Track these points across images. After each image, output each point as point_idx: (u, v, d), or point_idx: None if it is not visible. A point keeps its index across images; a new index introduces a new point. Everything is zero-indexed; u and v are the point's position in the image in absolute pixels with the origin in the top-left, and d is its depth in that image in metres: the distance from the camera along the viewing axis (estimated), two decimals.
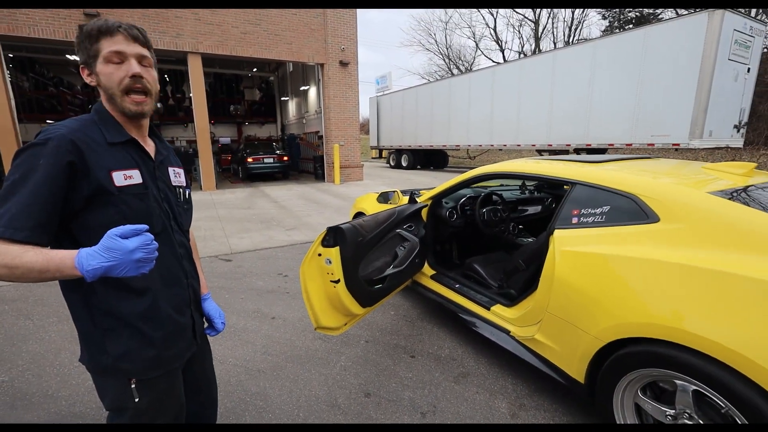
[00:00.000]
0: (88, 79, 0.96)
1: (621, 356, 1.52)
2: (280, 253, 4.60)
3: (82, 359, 1.01)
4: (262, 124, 19.72)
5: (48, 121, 15.02)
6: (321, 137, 12.72)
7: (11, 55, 12.67)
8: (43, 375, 2.22)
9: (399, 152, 18.18)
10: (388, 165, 19.57)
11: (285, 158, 13.00)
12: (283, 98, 18.62)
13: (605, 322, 1.55)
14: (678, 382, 1.39)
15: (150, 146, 1.07)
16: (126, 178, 0.94)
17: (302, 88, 15.31)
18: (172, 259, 1.05)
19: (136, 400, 0.99)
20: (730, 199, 1.50)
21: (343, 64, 11.48)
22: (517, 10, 25.59)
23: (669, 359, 1.36)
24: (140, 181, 0.97)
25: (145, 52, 0.96)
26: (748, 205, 1.45)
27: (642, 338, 1.45)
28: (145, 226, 0.81)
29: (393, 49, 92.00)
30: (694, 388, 1.35)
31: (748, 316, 1.21)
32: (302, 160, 16.27)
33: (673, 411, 1.43)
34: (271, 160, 12.57)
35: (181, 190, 1.14)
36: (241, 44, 9.96)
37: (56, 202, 0.84)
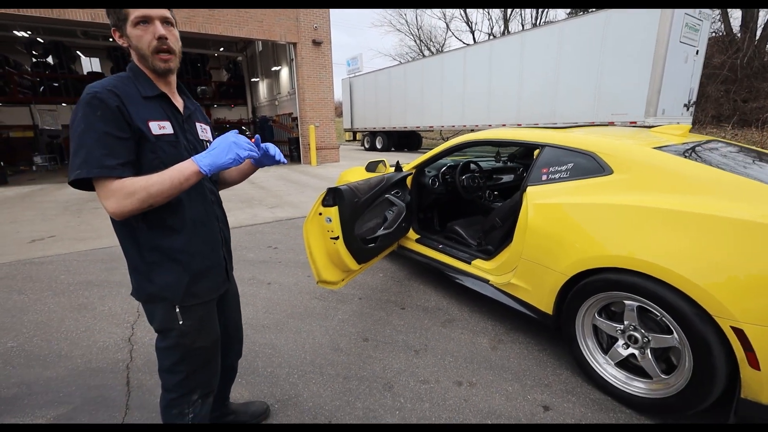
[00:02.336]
0: (120, 41, 1.07)
1: (582, 286, 1.82)
2: (267, 229, 4.72)
3: (133, 292, 1.17)
4: (232, 106, 19.10)
5: None
6: (295, 119, 12.60)
7: None
8: (51, 340, 2.31)
9: (373, 134, 18.25)
10: (362, 147, 19.61)
11: (253, 140, 13.23)
12: (253, 79, 18.08)
13: (570, 258, 1.85)
14: (626, 302, 1.72)
15: (179, 102, 1.19)
16: (160, 128, 1.07)
17: (273, 68, 14.94)
18: (204, 203, 1.19)
19: (180, 322, 1.14)
20: (669, 153, 1.81)
21: (316, 43, 11.34)
22: None
23: (620, 283, 1.68)
24: (171, 131, 1.10)
25: (167, 13, 1.05)
26: (684, 158, 1.77)
27: (599, 269, 1.76)
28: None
29: (364, 29, 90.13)
30: (638, 304, 1.67)
31: (679, 240, 1.52)
32: (275, 143, 16.01)
33: (622, 326, 1.76)
34: None
35: (207, 143, 1.26)
36: (209, 21, 9.62)
37: (128, 143, 0.99)
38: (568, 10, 22.05)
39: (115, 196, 0.94)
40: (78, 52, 16.11)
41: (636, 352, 1.73)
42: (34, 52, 14.49)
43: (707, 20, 8.81)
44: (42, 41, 14.12)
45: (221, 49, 17.46)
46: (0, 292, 2.95)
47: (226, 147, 1.01)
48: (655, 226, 1.60)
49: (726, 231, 1.43)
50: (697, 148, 2.01)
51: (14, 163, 12.94)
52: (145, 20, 1.01)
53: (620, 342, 1.79)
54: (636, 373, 1.76)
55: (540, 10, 24.55)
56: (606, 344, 1.89)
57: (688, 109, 9.26)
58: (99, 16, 8.47)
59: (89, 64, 16.75)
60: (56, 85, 14.75)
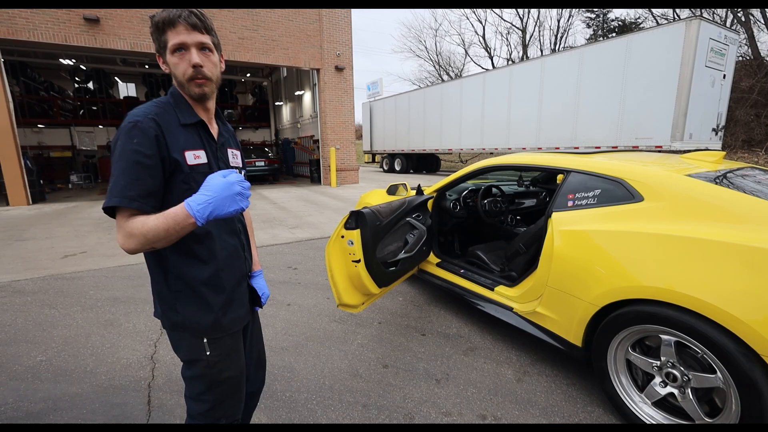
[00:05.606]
0: (163, 67, 1.08)
1: (613, 318, 1.74)
2: (287, 249, 4.76)
3: (156, 314, 1.16)
4: (256, 128, 19.81)
5: (40, 125, 14.93)
6: (316, 141, 12.93)
7: (2, 60, 12.61)
8: (78, 355, 2.36)
9: (392, 156, 18.47)
10: (381, 169, 19.84)
11: (275, 162, 13.70)
12: (277, 103, 18.77)
13: (599, 288, 1.78)
14: (663, 336, 1.62)
15: (214, 129, 1.19)
16: (195, 157, 1.05)
17: (297, 93, 15.50)
18: (232, 235, 1.18)
19: (208, 353, 1.12)
20: (704, 180, 1.75)
21: (339, 69, 11.73)
22: (504, 17, 26.28)
23: (656, 316, 1.59)
24: (205, 161, 1.08)
25: (204, 39, 1.03)
26: (719, 185, 1.71)
27: (631, 300, 1.68)
28: (234, 170, 0.95)
29: (384, 55, 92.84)
30: (676, 339, 1.58)
31: (722, 272, 1.44)
32: (297, 164, 16.43)
33: (659, 362, 1.66)
34: (262, 164, 13.33)
35: (237, 170, 1.30)
36: (239, 49, 10.13)
37: (156, 173, 0.98)
38: (588, 35, 22.21)
39: (121, 232, 0.93)
40: (116, 78, 17.18)
41: (675, 391, 1.62)
42: (77, 78, 15.56)
43: (734, 44, 8.68)
44: (84, 68, 15.16)
45: (248, 74, 18.30)
46: (33, 306, 3.06)
47: (229, 197, 0.90)
48: (694, 256, 1.52)
49: None
50: (733, 176, 1.94)
51: (52, 180, 13.68)
52: (181, 47, 1.01)
53: (657, 379, 1.69)
54: (676, 414, 1.65)
55: (558, 36, 24.80)
56: (642, 381, 1.78)
57: (716, 134, 9.02)
58: (137, 45, 9.05)
59: (126, 89, 17.81)
60: (95, 108, 15.71)
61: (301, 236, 5.41)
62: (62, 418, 1.80)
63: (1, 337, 2.57)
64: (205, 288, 1.10)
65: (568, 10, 22.89)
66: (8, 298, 3.21)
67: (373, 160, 21.90)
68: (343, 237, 2.16)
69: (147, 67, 15.53)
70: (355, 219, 2.15)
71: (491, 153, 13.95)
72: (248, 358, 1.37)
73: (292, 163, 16.83)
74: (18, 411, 1.85)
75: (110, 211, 0.96)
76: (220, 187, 0.90)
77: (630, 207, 1.84)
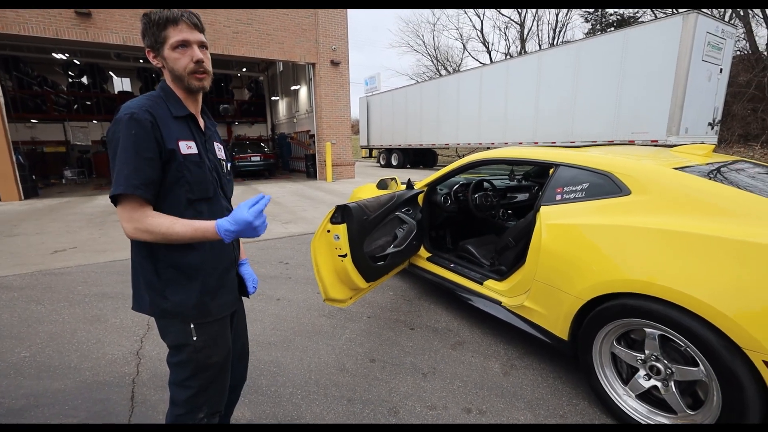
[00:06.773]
0: (154, 62, 1.11)
1: (599, 311, 1.73)
2: (279, 244, 4.74)
3: (141, 307, 1.15)
4: (252, 123, 19.70)
5: (33, 120, 14.80)
6: (312, 136, 12.86)
7: None
8: (62, 351, 2.34)
9: (389, 151, 18.41)
10: (378, 164, 19.80)
11: (271, 157, 13.66)
12: (273, 98, 18.65)
13: (585, 282, 1.77)
14: (647, 330, 1.61)
15: (201, 122, 1.22)
16: (188, 147, 1.10)
17: (293, 87, 15.40)
18: None
19: (194, 338, 1.14)
20: (691, 173, 1.73)
21: (335, 63, 11.64)
22: (502, 12, 26.15)
23: (640, 309, 1.58)
24: (196, 151, 1.13)
25: (203, 38, 1.10)
26: (708, 179, 1.69)
27: (616, 294, 1.67)
28: (264, 196, 1.01)
29: (381, 50, 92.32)
30: (660, 333, 1.57)
31: (704, 266, 1.43)
32: (293, 159, 16.37)
33: (643, 355, 1.65)
34: (258, 159, 13.30)
35: (223, 162, 1.29)
36: (233, 44, 10.03)
37: (155, 161, 1.02)
38: (586, 30, 22.10)
39: (133, 223, 0.99)
40: (111, 72, 17.02)
41: (659, 384, 1.62)
42: (70, 73, 15.41)
43: (731, 39, 8.64)
44: (78, 63, 15.01)
45: (244, 69, 18.15)
46: (19, 302, 3.03)
47: (250, 230, 1.00)
48: (677, 249, 1.51)
49: (757, 257, 1.34)
50: (722, 169, 1.92)
51: (46, 176, 13.58)
52: (184, 44, 1.06)
53: (641, 372, 1.68)
54: (659, 407, 1.64)
55: (557, 30, 24.69)
56: (626, 374, 1.77)
57: (712, 128, 9.00)
58: (130, 39, 8.94)
59: (120, 83, 17.66)
60: (89, 103, 15.57)
61: (294, 231, 5.38)
62: (43, 415, 1.78)
63: None
64: (195, 273, 1.13)
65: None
66: None
67: (370, 155, 21.83)
68: (329, 231, 2.14)
69: (141, 61, 15.38)
70: (341, 213, 2.13)
71: (488, 147, 13.90)
72: (232, 348, 1.36)
73: (288, 158, 16.77)
74: None
75: (115, 200, 1.01)
76: (244, 224, 0.99)
77: (617, 200, 1.82)
